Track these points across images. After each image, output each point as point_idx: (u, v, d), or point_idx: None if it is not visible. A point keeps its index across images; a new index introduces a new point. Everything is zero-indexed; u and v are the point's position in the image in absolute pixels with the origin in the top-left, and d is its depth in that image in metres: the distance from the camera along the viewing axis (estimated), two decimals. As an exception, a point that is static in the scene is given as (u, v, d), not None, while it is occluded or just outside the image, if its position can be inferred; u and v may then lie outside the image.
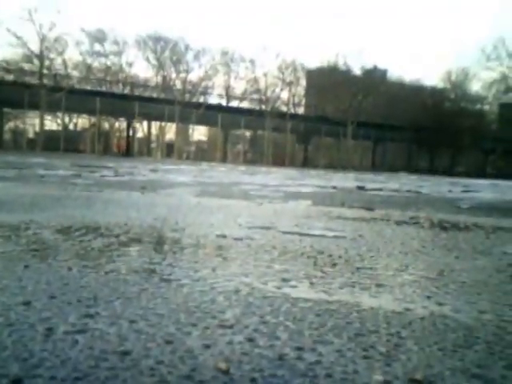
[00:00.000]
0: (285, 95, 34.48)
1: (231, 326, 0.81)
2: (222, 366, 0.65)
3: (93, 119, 31.41)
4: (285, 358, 0.70)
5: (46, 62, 27.01)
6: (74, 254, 1.33)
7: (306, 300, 1.01)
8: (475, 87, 43.82)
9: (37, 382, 0.58)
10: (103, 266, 1.20)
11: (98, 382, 0.59)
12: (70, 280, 1.06)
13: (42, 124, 27.00)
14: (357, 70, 34.99)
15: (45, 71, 26.95)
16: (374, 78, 36.16)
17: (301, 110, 36.65)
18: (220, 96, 34.37)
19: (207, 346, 0.72)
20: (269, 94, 32.94)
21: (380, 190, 6.14)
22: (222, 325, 0.82)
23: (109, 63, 32.39)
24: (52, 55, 27.20)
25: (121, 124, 33.41)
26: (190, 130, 38.14)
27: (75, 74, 29.55)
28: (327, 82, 33.15)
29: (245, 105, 34.14)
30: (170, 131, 34.61)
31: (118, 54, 32.44)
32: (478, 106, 38.68)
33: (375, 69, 37.46)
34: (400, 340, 0.81)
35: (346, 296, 1.06)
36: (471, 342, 0.82)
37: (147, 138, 35.00)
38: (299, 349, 0.74)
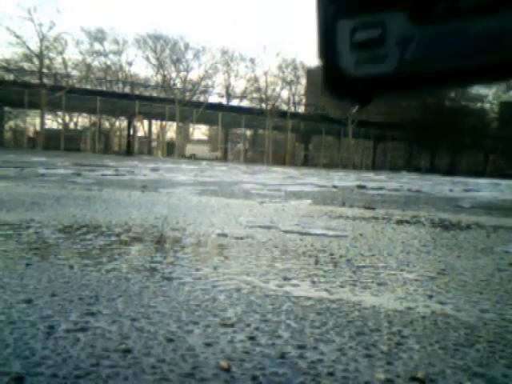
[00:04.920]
0: (285, 94, 34.48)
1: (232, 325, 0.81)
2: (224, 364, 0.65)
3: (93, 118, 31.42)
4: (286, 356, 0.70)
5: (46, 62, 27.01)
6: (75, 253, 1.33)
7: (308, 298, 1.01)
8: (475, 86, 43.67)
9: (39, 380, 0.58)
10: (104, 265, 1.20)
11: (100, 379, 0.59)
12: (71, 278, 1.06)
13: (42, 123, 27.01)
14: (357, 69, 34.81)
15: (45, 70, 26.95)
16: (375, 76, 36.01)
17: (301, 109, 36.64)
18: (220, 95, 34.36)
19: (209, 345, 0.72)
20: (269, 92, 32.92)
21: (381, 189, 6.14)
22: (223, 323, 0.82)
23: (109, 62, 32.39)
24: (52, 54, 27.21)
25: (121, 123, 33.41)
26: (191, 129, 38.12)
27: (75, 73, 29.53)
28: (327, 81, 33.02)
29: (245, 104, 34.13)
30: (171, 130, 34.62)
31: (118, 53, 32.44)
32: (479, 105, 38.64)
33: (375, 67, 37.35)
34: (402, 339, 0.81)
35: (347, 294, 1.06)
36: (473, 340, 0.82)
37: (148, 136, 35.00)
38: (301, 347, 0.74)
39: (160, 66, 32.25)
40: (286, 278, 1.16)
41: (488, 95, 37.43)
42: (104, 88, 30.87)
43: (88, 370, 0.61)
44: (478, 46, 0.88)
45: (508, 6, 0.74)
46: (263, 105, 32.23)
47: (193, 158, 27.71)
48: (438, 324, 0.89)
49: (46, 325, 0.77)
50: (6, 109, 31.17)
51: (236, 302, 0.94)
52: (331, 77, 0.93)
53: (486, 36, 0.89)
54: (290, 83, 33.65)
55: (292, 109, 34.28)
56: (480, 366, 0.71)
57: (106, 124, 34.50)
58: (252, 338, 0.75)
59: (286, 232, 1.91)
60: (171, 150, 31.80)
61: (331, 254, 1.50)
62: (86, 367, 0.62)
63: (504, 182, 13.91)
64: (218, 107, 31.26)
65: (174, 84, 31.83)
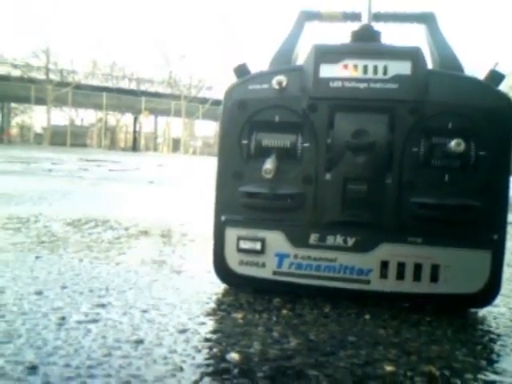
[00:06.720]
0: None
1: (244, 317, 0.82)
2: (236, 356, 0.65)
3: (99, 114, 31.47)
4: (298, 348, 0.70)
5: (53, 58, 27.09)
6: (85, 246, 1.33)
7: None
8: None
9: (52, 369, 0.58)
10: (114, 258, 1.21)
11: (112, 369, 0.59)
12: (81, 271, 1.06)
13: (48, 119, 27.10)
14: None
15: (51, 66, 27.04)
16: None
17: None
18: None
19: (220, 337, 0.73)
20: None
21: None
22: (234, 316, 0.82)
23: (115, 59, 32.43)
24: (58, 50, 27.29)
25: (127, 119, 33.46)
26: (196, 125, 38.12)
27: (81, 69, 29.57)
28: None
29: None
30: (177, 126, 34.62)
31: (124, 49, 32.45)
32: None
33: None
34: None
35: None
36: (482, 334, 0.81)
37: (154, 133, 35.02)
38: (311, 341, 0.74)
39: (166, 61, 32.24)
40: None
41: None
42: (110, 84, 30.89)
43: (100, 361, 0.62)
44: (342, 273, 1.01)
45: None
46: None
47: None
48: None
49: (58, 316, 0.77)
50: (13, 105, 31.29)
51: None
52: (220, 267, 1.05)
53: (349, 268, 1.02)
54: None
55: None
56: (490, 359, 0.71)
57: (112, 120, 34.55)
58: (267, 330, 0.75)
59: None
60: (177, 146, 31.83)
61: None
62: (98, 357, 0.63)
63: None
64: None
65: (180, 80, 31.81)
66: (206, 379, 0.58)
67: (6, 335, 0.68)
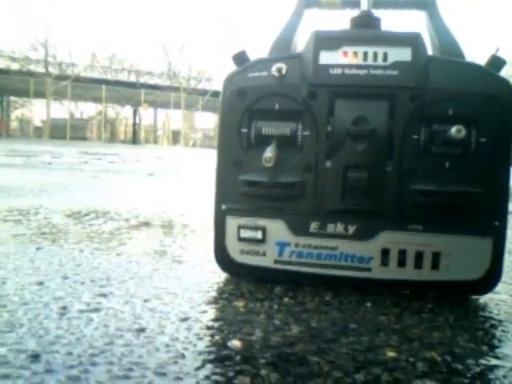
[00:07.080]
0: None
1: (245, 305, 0.82)
2: (237, 343, 0.65)
3: (99, 107, 31.39)
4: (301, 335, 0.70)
5: (52, 51, 26.98)
6: (85, 237, 1.33)
7: (318, 280, 1.01)
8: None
9: (54, 357, 0.58)
10: (115, 248, 1.21)
11: (114, 357, 0.59)
12: (82, 261, 1.06)
13: (48, 112, 27.04)
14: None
15: (50, 59, 26.94)
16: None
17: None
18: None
19: (222, 325, 0.73)
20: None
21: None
22: (236, 305, 0.82)
23: (114, 51, 32.30)
24: (57, 43, 27.17)
25: (127, 112, 33.37)
26: (196, 117, 38.05)
27: (80, 61, 29.46)
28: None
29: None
30: (176, 118, 34.55)
31: (123, 41, 32.29)
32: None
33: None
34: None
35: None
36: (484, 320, 0.82)
37: (153, 125, 34.96)
38: (312, 328, 0.74)
39: (165, 53, 32.11)
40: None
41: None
42: (109, 76, 30.78)
43: (102, 349, 0.62)
44: (343, 261, 1.00)
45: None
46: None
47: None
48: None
49: (59, 306, 0.77)
50: (12, 98, 31.21)
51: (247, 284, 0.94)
52: (221, 257, 1.05)
53: (350, 256, 1.01)
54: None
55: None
56: (492, 345, 0.71)
57: (112, 113, 34.48)
58: (268, 318, 0.75)
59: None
60: (177, 138, 31.78)
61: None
62: (100, 346, 0.63)
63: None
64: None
65: (179, 72, 31.70)
66: (208, 366, 0.58)
67: (7, 325, 0.68)
